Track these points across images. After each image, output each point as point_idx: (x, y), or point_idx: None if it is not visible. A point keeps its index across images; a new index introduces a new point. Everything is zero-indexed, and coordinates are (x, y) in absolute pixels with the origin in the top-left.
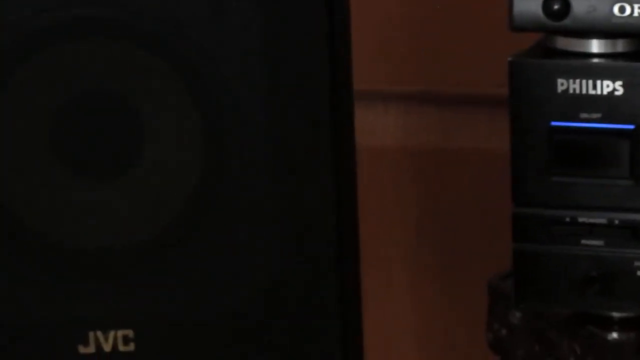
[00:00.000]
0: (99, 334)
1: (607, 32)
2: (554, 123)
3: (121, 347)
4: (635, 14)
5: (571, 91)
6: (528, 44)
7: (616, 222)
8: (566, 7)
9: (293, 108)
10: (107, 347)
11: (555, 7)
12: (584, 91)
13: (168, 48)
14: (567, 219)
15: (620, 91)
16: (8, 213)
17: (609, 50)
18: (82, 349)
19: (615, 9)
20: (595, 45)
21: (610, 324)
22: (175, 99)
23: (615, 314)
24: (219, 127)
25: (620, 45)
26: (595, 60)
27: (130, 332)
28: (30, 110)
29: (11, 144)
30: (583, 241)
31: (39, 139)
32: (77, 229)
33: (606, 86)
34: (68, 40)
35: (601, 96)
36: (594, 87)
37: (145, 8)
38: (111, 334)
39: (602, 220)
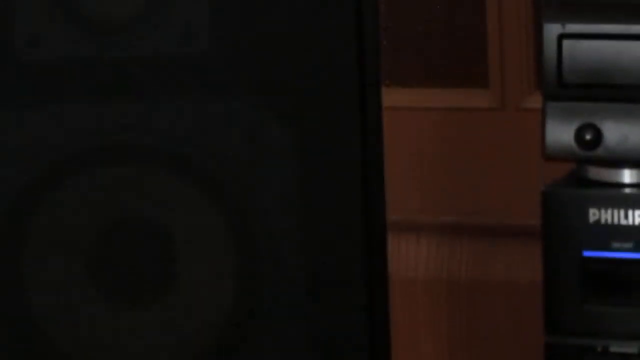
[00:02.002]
0: None
1: (639, 162)
2: (586, 253)
3: None
4: None
5: (603, 221)
6: (561, 173)
7: None
8: (598, 136)
9: (326, 238)
10: None
11: (588, 136)
12: (615, 221)
13: (202, 175)
14: (599, 349)
15: None
16: (40, 332)
17: None
18: None
19: None
20: (628, 175)
21: None
22: (209, 226)
23: None
24: (252, 255)
25: None
26: (627, 190)
27: None
28: (66, 234)
29: (48, 266)
30: None
31: (75, 262)
32: (108, 354)
33: (638, 216)
34: (104, 166)
35: (633, 226)
36: (626, 217)
37: (179, 136)
38: None
39: (634, 350)
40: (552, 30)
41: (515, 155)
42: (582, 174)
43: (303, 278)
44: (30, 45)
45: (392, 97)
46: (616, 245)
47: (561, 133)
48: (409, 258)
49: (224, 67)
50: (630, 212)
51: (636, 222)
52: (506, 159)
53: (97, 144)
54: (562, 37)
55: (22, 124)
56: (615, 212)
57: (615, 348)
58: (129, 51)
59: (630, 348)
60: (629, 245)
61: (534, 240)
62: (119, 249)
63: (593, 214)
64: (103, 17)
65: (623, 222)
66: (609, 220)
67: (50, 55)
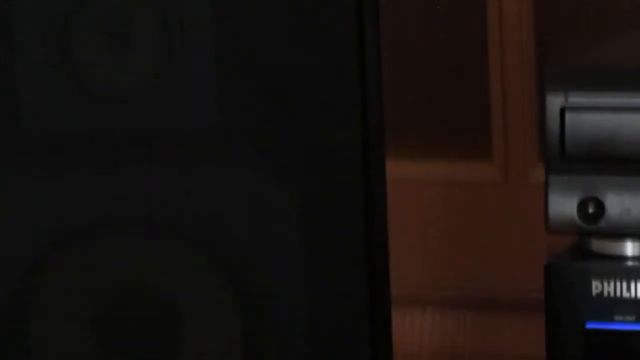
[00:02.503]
0: None
1: None
2: (589, 325)
3: None
4: None
5: (606, 293)
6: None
7: None
8: (601, 209)
9: (331, 311)
10: None
11: (590, 209)
12: (618, 293)
13: (208, 246)
14: None
15: None
16: None
17: None
18: None
19: None
20: (630, 248)
21: None
22: (215, 297)
23: None
24: (258, 326)
25: None
26: (630, 262)
27: None
28: (72, 305)
29: (54, 336)
30: None
31: (81, 333)
32: None
33: None
34: (111, 238)
35: (636, 298)
36: (629, 289)
37: (186, 207)
38: None
39: None
40: (554, 102)
41: (520, 228)
42: (585, 246)
43: (309, 350)
44: (37, 117)
45: (395, 169)
46: (619, 317)
47: (564, 206)
48: (413, 332)
49: (231, 139)
50: (632, 285)
51: (639, 295)
52: (510, 231)
53: (103, 215)
54: (564, 109)
55: (28, 196)
56: (618, 284)
57: None
58: (135, 124)
59: None
60: (631, 317)
61: (539, 313)
62: (125, 320)
63: (595, 287)
64: (110, 90)
65: (625, 294)
66: (612, 293)
67: (56, 128)
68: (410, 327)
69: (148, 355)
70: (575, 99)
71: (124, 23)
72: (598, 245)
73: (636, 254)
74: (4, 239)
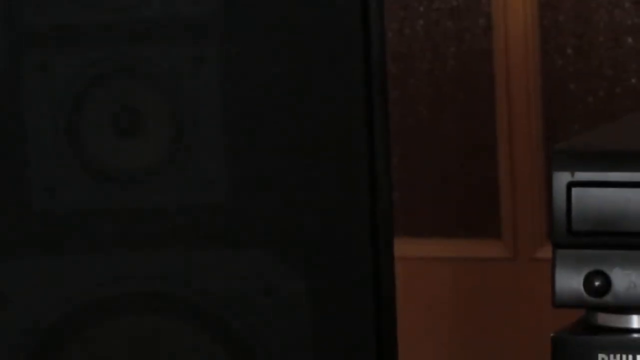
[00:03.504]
0: None
1: None
2: None
3: None
4: None
5: None
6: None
7: None
8: (607, 284)
9: None
10: None
11: (597, 284)
12: None
13: (217, 325)
14: None
15: None
16: None
17: None
18: None
19: None
20: (636, 321)
21: None
22: None
23: None
24: None
25: None
26: (636, 335)
27: None
28: None
29: None
30: None
31: None
32: None
33: None
34: (121, 316)
35: None
36: None
37: (196, 286)
38: None
39: None
40: (561, 178)
41: (528, 304)
42: (591, 320)
43: None
44: (46, 195)
45: (404, 248)
46: None
47: (570, 280)
48: None
49: (240, 217)
50: (638, 357)
51: None
52: (519, 308)
53: (113, 293)
54: (571, 185)
55: (38, 274)
56: (624, 357)
57: None
58: (144, 202)
59: None
60: None
61: None
62: None
63: (602, 359)
64: (119, 169)
65: None
66: None
67: (66, 206)
68: None
69: None
70: (582, 174)
71: (133, 103)
72: (604, 318)
73: None
74: (17, 318)
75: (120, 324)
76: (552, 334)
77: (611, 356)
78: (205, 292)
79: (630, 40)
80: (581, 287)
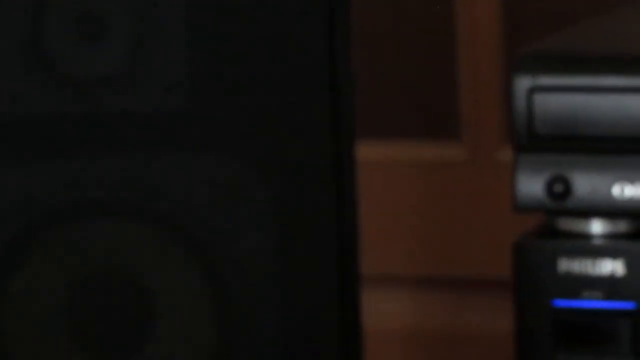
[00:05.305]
0: None
1: (607, 212)
2: (556, 303)
3: None
4: (634, 194)
5: (572, 272)
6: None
7: None
8: (568, 188)
9: (300, 290)
10: None
11: (558, 188)
12: (585, 271)
13: (178, 229)
14: None
15: (620, 271)
16: None
17: (609, 230)
18: None
19: (616, 190)
20: (596, 226)
21: None
22: (186, 279)
23: None
24: (230, 308)
25: (621, 226)
26: (596, 240)
27: None
28: (42, 289)
29: (22, 322)
30: None
31: (51, 317)
32: None
33: (607, 266)
34: (81, 221)
35: (602, 276)
36: (595, 266)
37: (156, 191)
38: None
39: None
40: (522, 82)
41: (489, 207)
42: (552, 225)
43: (278, 328)
44: (7, 102)
45: (364, 152)
46: (586, 294)
47: (531, 185)
48: (382, 312)
49: (201, 122)
50: (598, 262)
51: (605, 272)
52: (479, 211)
53: (73, 199)
54: (532, 89)
55: None
56: (584, 262)
57: None
58: (105, 107)
59: None
60: (598, 294)
61: (508, 292)
62: (96, 303)
63: (562, 265)
64: (79, 74)
65: (592, 272)
66: (578, 271)
67: (26, 112)
68: (379, 307)
69: (120, 333)
70: (543, 78)
71: (95, 8)
72: (565, 224)
73: (603, 231)
74: None
75: (81, 231)
76: (513, 241)
77: (571, 261)
78: (165, 197)
79: None
80: (542, 192)
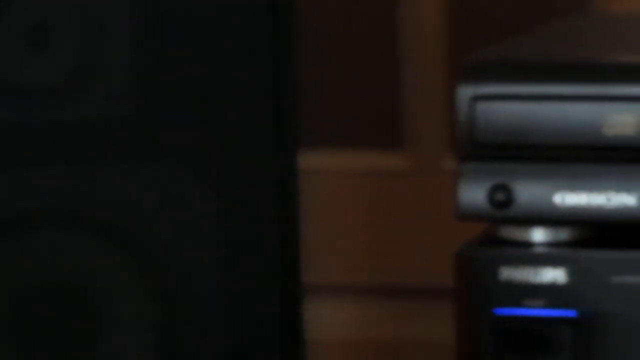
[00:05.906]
0: None
1: (549, 221)
2: (497, 311)
3: None
4: (576, 203)
5: (514, 280)
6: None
7: None
8: (510, 197)
9: (246, 302)
10: None
11: (499, 197)
12: (526, 279)
13: (121, 238)
14: None
15: (562, 279)
16: None
17: (551, 239)
18: None
19: (557, 199)
20: (538, 235)
21: None
22: (131, 288)
23: None
24: (174, 316)
25: (562, 235)
26: (538, 249)
27: None
28: None
29: None
30: None
31: None
32: None
33: (548, 274)
34: (20, 231)
35: (543, 285)
36: (537, 275)
37: (99, 200)
38: None
39: None
40: (465, 91)
41: (432, 216)
42: (495, 233)
43: (221, 338)
44: None
45: (308, 161)
46: (528, 302)
47: (474, 193)
48: (327, 321)
49: (146, 131)
50: (540, 271)
51: (547, 280)
52: (423, 220)
53: (13, 209)
54: (475, 98)
55: None
56: (526, 270)
57: None
58: (48, 116)
59: None
60: (540, 302)
61: (452, 301)
62: (38, 313)
63: (504, 273)
64: (23, 82)
65: (533, 280)
66: (520, 279)
67: None
68: (323, 317)
69: (63, 343)
70: (486, 87)
71: (39, 18)
72: (507, 232)
73: (544, 240)
74: None
75: (21, 241)
76: (455, 250)
77: (513, 270)
78: (108, 206)
79: None
80: (484, 200)
